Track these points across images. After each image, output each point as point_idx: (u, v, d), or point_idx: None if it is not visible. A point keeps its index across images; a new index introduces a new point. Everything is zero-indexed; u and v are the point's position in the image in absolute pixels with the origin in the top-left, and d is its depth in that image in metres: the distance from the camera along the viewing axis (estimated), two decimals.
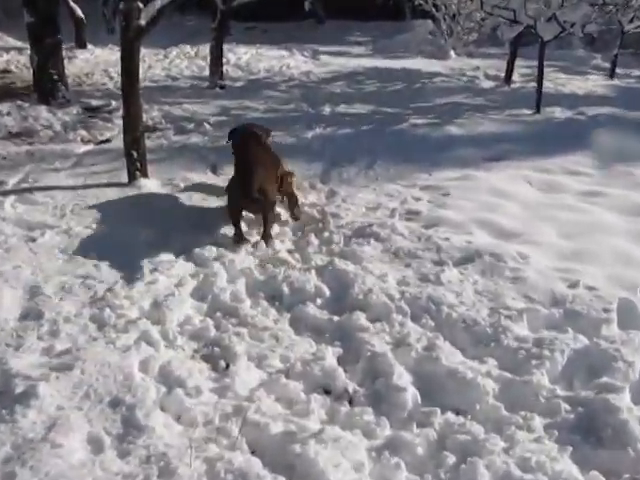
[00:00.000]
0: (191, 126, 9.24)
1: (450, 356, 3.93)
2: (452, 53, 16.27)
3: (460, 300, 4.52)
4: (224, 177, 6.79)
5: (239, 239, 5.50)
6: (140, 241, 5.40)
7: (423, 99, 11.01)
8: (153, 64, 13.80)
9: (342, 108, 10.29)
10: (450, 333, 4.21)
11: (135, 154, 6.76)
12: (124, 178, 6.85)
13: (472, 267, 4.96)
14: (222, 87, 12.07)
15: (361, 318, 4.36)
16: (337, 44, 17.31)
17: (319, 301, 4.62)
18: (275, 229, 5.76)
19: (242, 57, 15.02)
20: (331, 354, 4.02)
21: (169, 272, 4.89)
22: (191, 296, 4.68)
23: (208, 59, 12.57)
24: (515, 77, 12.67)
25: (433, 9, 16.66)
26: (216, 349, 4.06)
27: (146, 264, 4.97)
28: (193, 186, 6.82)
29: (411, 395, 3.63)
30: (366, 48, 17.42)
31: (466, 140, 8.50)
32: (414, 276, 4.89)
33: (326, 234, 5.67)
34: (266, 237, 5.54)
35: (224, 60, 12.52)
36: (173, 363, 3.85)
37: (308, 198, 6.52)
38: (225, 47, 12.71)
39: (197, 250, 5.20)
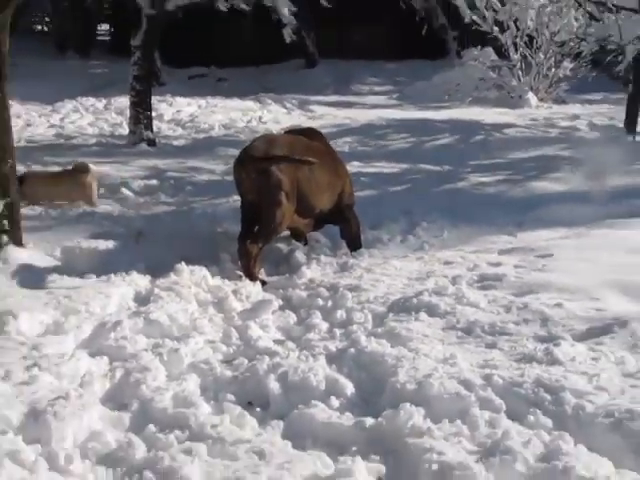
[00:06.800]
0: (100, 191, 6.55)
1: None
2: (531, 98, 11.92)
3: (596, 385, 3.07)
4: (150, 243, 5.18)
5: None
6: None
7: (488, 154, 8.74)
8: (34, 121, 10.23)
9: (355, 167, 7.57)
10: (585, 434, 2.77)
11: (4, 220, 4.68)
12: None
13: (611, 340, 3.54)
14: (152, 142, 8.68)
15: (415, 416, 2.86)
16: (339, 93, 13.71)
17: (335, 401, 3.11)
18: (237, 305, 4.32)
19: (184, 110, 11.20)
20: (365, 474, 2.61)
21: (60, 369, 3.26)
22: (101, 402, 3.12)
23: (127, 112, 9.08)
24: None
25: (495, 29, 11.37)
26: (149, 475, 2.55)
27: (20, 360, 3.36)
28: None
29: None
30: (388, 96, 13.72)
31: (570, 196, 6.62)
32: (506, 357, 3.43)
33: (340, 313, 4.06)
34: None
35: (153, 114, 9.11)
36: None
37: (305, 273, 4.76)
38: (155, 99, 9.50)
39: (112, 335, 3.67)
